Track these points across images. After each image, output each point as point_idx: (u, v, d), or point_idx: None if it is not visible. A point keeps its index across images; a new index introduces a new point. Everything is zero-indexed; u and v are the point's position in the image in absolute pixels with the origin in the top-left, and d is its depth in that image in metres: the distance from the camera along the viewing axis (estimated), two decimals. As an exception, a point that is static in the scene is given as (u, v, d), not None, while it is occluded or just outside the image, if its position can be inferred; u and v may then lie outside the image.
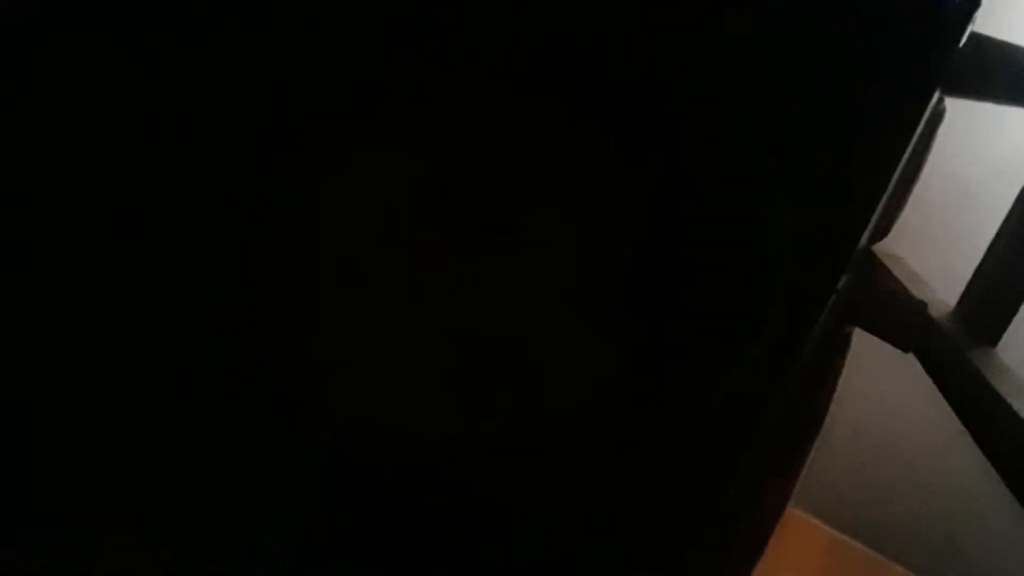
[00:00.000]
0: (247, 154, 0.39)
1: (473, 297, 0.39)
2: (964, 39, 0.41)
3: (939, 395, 0.46)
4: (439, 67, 0.38)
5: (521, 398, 0.40)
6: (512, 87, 0.39)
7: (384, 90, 0.39)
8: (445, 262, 0.39)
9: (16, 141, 0.38)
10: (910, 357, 0.49)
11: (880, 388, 1.09)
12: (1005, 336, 0.47)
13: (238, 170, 0.39)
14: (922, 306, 0.48)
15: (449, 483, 0.40)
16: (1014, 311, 0.47)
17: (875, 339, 0.51)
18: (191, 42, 0.38)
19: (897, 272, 0.51)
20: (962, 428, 0.42)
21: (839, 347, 0.50)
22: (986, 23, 0.43)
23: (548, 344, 0.40)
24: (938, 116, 0.48)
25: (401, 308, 0.40)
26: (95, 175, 0.39)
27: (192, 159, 0.39)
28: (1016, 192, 0.49)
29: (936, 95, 0.43)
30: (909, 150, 0.44)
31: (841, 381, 0.51)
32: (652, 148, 0.41)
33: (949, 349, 0.44)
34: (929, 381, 0.46)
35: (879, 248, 0.54)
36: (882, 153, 0.43)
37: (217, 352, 0.39)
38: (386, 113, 0.39)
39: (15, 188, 0.39)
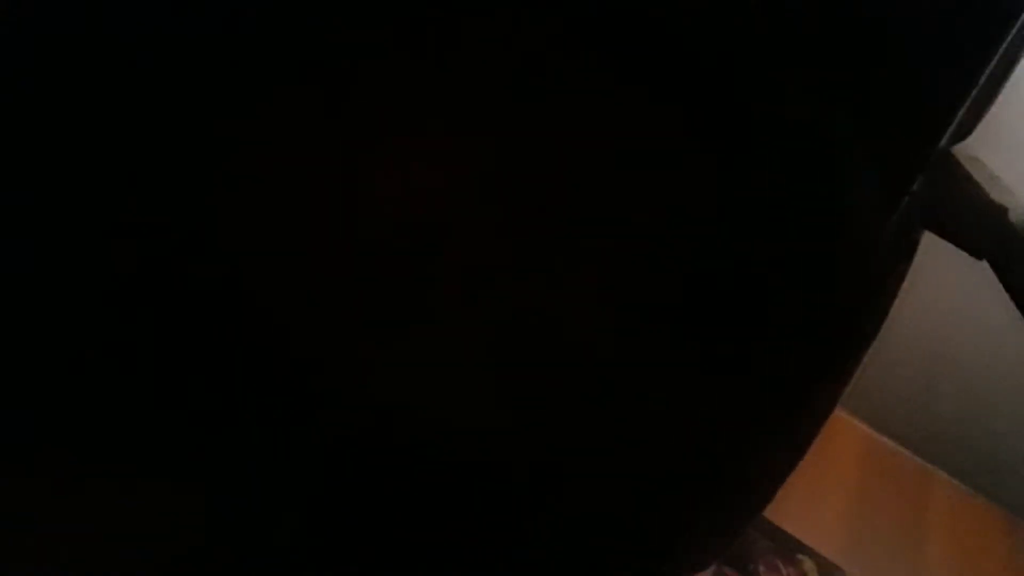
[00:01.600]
0: (257, 148, 0.38)
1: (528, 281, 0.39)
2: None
3: (1008, 308, 0.44)
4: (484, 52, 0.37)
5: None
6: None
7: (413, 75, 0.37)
8: (496, 252, 0.39)
9: (16, 141, 0.38)
10: (983, 264, 0.47)
11: (946, 296, 1.06)
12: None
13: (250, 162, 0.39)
14: (1001, 211, 0.46)
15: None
16: (1100, 221, 0.45)
17: (945, 243, 0.49)
18: (194, 41, 0.37)
19: (977, 175, 0.49)
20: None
21: (906, 252, 0.49)
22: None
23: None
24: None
25: (444, 299, 0.39)
26: (95, 173, 0.39)
27: (195, 153, 0.38)
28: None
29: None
30: (1004, 44, 0.41)
31: (905, 286, 0.50)
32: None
33: (1026, 257, 0.43)
34: (1000, 292, 0.45)
35: (960, 148, 0.52)
36: (972, 47, 0.41)
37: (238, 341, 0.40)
38: (422, 96, 0.37)
39: (15, 188, 0.39)
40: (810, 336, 0.41)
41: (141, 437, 0.40)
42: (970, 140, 0.50)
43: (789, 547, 1.00)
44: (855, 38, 0.40)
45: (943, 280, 0.92)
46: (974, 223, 0.46)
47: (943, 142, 0.43)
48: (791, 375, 0.41)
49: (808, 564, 0.99)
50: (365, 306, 0.39)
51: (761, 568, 0.96)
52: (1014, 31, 0.40)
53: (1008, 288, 0.44)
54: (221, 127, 0.38)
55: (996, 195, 0.47)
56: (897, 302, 0.50)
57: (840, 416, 1.16)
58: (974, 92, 0.42)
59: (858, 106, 0.41)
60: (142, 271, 0.39)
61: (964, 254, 0.49)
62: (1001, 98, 0.47)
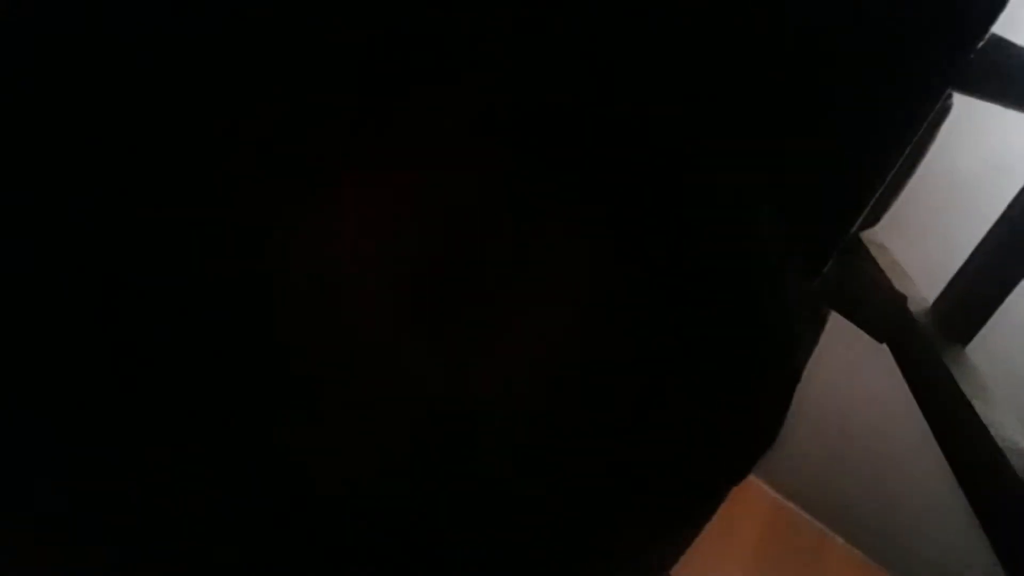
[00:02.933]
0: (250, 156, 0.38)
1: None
2: (985, 39, 0.41)
3: (906, 388, 0.47)
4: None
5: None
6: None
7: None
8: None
9: (15, 141, 0.38)
10: (883, 347, 0.50)
11: (849, 373, 1.11)
12: (976, 338, 0.48)
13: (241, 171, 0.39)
14: (901, 299, 0.49)
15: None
16: (990, 313, 0.48)
17: (850, 325, 0.52)
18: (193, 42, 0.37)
19: (881, 261, 0.52)
20: (924, 423, 0.43)
21: (814, 330, 0.51)
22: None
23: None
24: (944, 111, 0.48)
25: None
26: (95, 174, 0.39)
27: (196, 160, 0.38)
28: (1013, 191, 0.49)
29: (946, 92, 0.43)
30: (916, 137, 0.44)
31: (813, 362, 0.52)
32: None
33: (921, 345, 0.45)
34: (898, 372, 0.47)
35: (867, 235, 0.55)
36: (884, 144, 0.43)
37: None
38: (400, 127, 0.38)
39: (14, 188, 0.38)
40: (741, 416, 0.42)
41: (129, 436, 0.39)
42: (877, 227, 0.53)
43: (692, 606, 1.01)
44: (778, 113, 0.42)
45: (848, 357, 0.96)
46: (876, 308, 0.49)
47: (854, 228, 0.45)
48: (720, 461, 0.43)
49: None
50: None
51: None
52: (923, 128, 0.43)
53: (903, 372, 0.46)
54: (221, 127, 0.37)
55: (897, 283, 0.49)
56: (805, 376, 0.52)
57: (748, 480, 1.19)
58: (884, 183, 0.44)
59: (780, 186, 0.43)
60: (140, 271, 0.38)
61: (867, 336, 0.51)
62: (906, 190, 0.50)
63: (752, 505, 1.19)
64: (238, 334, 0.38)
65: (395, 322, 0.38)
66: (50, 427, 0.38)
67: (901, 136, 0.43)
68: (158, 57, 0.37)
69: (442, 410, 0.38)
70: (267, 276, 0.38)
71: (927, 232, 0.97)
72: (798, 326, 0.43)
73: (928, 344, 0.45)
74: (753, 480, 1.22)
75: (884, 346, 0.50)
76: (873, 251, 0.52)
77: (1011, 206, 0.48)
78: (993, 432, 0.37)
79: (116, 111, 0.38)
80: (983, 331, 0.49)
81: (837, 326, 0.51)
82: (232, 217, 0.38)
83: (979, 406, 0.38)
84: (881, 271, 0.51)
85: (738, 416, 0.42)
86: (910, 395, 0.46)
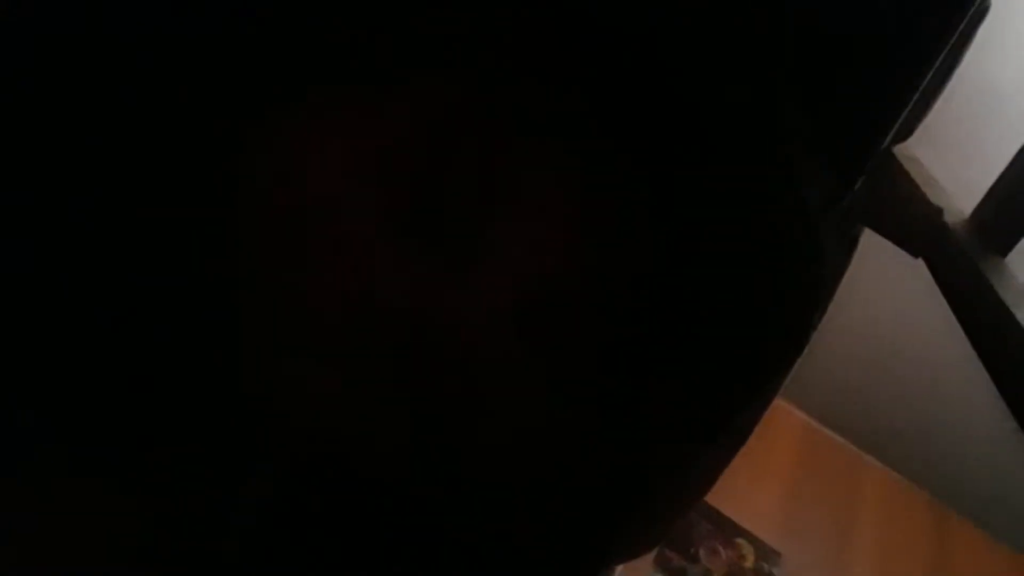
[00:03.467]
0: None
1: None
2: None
3: (942, 304, 0.46)
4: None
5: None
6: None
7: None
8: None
9: (15, 141, 0.37)
10: (919, 262, 0.49)
11: (884, 292, 1.09)
12: (1018, 247, 0.46)
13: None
14: (936, 212, 0.48)
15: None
16: (1030, 223, 0.47)
17: (884, 241, 0.51)
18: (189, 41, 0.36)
19: (915, 175, 0.50)
20: (960, 341, 0.42)
21: (847, 248, 0.50)
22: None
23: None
24: (981, 13, 0.46)
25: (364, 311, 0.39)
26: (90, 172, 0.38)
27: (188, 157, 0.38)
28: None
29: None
30: (946, 49, 0.42)
31: (845, 281, 0.52)
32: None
33: (959, 257, 0.44)
34: (935, 289, 0.46)
35: (899, 149, 0.53)
36: (916, 50, 0.42)
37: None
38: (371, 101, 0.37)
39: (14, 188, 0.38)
40: (759, 331, 0.41)
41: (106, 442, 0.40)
42: (910, 141, 0.52)
43: (728, 531, 1.02)
44: (803, 37, 0.41)
45: (882, 276, 0.95)
46: (911, 223, 0.48)
47: (886, 142, 0.44)
48: (737, 372, 0.42)
49: (746, 548, 1.02)
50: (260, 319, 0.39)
51: (701, 551, 0.99)
52: (954, 37, 0.41)
53: (941, 286, 0.45)
54: (221, 127, 0.37)
55: (932, 196, 0.48)
56: (837, 296, 0.52)
57: (780, 405, 1.19)
58: (916, 94, 0.42)
59: (806, 102, 0.42)
60: (137, 271, 0.38)
61: (902, 252, 0.50)
62: (939, 101, 0.49)
63: (785, 429, 1.19)
64: (225, 274, 0.38)
65: (381, 244, 0.37)
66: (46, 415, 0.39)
67: (933, 43, 0.41)
68: (157, 57, 0.37)
69: (431, 339, 0.38)
70: (250, 208, 0.38)
71: (962, 144, 0.94)
72: (821, 237, 0.42)
73: (966, 256, 0.44)
74: (785, 404, 1.22)
75: (920, 261, 0.49)
76: (906, 165, 0.51)
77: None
78: (1035, 341, 0.36)
79: (115, 110, 0.37)
80: (1022, 242, 0.48)
81: (871, 243, 0.50)
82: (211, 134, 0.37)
83: (1021, 315, 0.38)
84: (915, 185, 0.49)
85: (755, 327, 0.41)
86: (946, 312, 0.46)
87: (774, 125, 0.41)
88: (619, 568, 0.72)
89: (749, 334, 0.41)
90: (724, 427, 0.43)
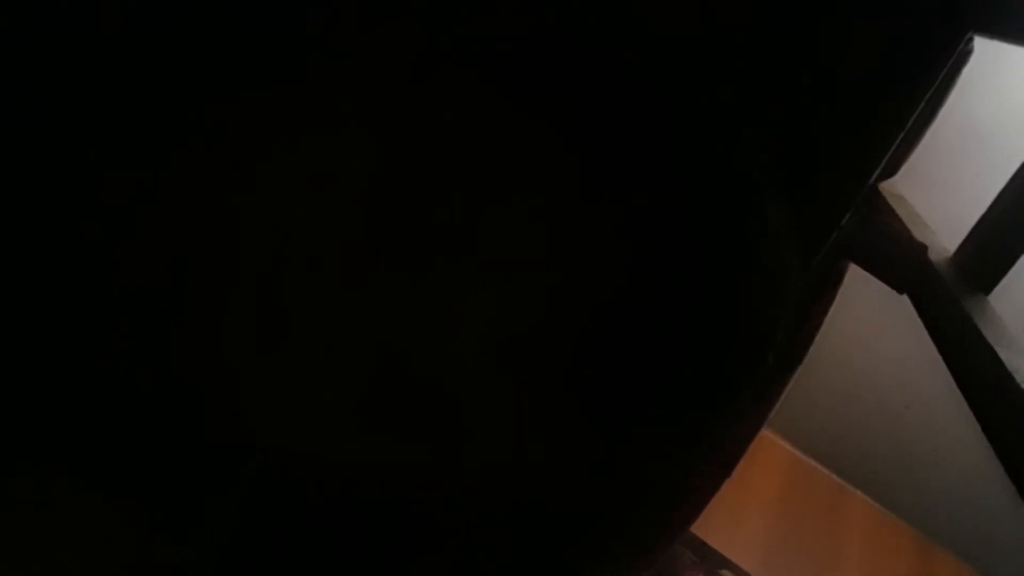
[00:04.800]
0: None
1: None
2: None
3: (925, 339, 0.46)
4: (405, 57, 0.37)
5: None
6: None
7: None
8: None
9: (14, 141, 0.37)
10: (904, 297, 0.49)
11: (869, 326, 1.10)
12: (1000, 285, 0.47)
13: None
14: (921, 248, 0.49)
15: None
16: (1012, 261, 0.47)
17: (870, 276, 0.51)
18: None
19: (900, 212, 0.51)
20: (943, 375, 0.42)
21: (833, 282, 0.51)
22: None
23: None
24: (965, 55, 0.47)
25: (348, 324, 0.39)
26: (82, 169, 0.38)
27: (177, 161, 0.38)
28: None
29: (967, 36, 0.42)
30: (931, 89, 0.43)
31: (831, 315, 0.52)
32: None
33: (943, 294, 0.45)
34: (919, 323, 0.47)
35: (885, 186, 0.54)
36: (902, 92, 0.42)
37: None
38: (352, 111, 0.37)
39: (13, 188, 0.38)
40: (737, 363, 0.42)
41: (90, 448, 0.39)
42: (896, 178, 0.52)
43: (713, 561, 1.02)
44: (792, 70, 0.41)
45: (867, 310, 0.96)
46: (896, 259, 0.48)
47: (872, 179, 0.45)
48: (706, 387, 0.42)
49: (730, 578, 1.01)
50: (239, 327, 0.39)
51: (685, 582, 0.98)
52: (939, 78, 0.42)
53: (925, 322, 0.46)
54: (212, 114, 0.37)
55: (917, 233, 0.49)
56: (823, 330, 0.52)
57: (766, 436, 1.19)
58: (902, 133, 0.43)
59: (795, 140, 0.42)
60: (135, 271, 0.38)
61: (887, 287, 0.51)
62: (925, 140, 0.50)
63: (770, 460, 1.20)
64: (216, 286, 0.38)
65: (368, 269, 0.38)
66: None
67: (919, 84, 0.42)
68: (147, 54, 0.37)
69: (417, 363, 0.38)
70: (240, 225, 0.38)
71: (947, 182, 0.95)
72: (784, 258, 0.42)
73: (950, 294, 0.44)
74: (771, 435, 1.22)
75: (904, 297, 0.49)
76: (892, 202, 0.52)
77: (1034, 151, 0.48)
78: (1019, 379, 0.36)
79: (111, 108, 0.38)
80: (1005, 280, 0.48)
81: (857, 278, 0.51)
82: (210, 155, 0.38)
83: (1003, 354, 0.38)
84: (900, 221, 0.50)
85: (721, 343, 0.41)
86: (929, 347, 0.46)
87: (734, 154, 0.41)
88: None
89: (715, 349, 0.41)
90: (699, 443, 0.44)
